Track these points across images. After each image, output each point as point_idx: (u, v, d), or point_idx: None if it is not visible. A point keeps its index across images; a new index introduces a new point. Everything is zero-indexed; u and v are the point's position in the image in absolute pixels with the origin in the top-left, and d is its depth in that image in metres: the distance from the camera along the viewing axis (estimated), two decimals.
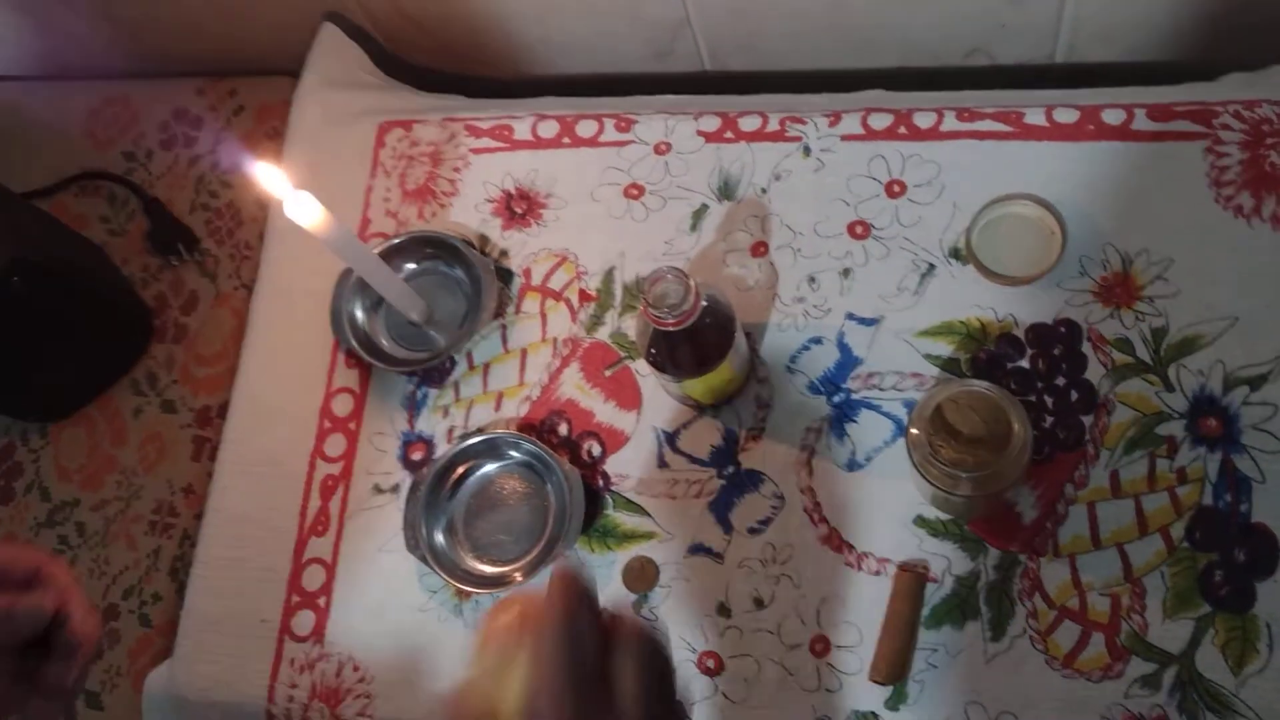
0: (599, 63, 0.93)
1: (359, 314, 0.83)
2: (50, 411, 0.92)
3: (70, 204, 0.99)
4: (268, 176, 0.65)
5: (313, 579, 0.78)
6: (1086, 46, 0.85)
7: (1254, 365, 0.70)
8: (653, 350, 0.70)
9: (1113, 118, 0.77)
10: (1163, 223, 0.74)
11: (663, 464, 0.76)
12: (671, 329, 0.66)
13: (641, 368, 0.78)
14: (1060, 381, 0.72)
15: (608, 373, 0.79)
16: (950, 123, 0.79)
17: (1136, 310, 0.72)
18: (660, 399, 0.77)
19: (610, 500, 0.76)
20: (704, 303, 0.67)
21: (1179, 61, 0.84)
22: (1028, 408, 0.71)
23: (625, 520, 0.75)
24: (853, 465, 0.73)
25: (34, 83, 1.05)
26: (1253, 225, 0.73)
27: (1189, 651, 0.66)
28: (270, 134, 0.97)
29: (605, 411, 0.78)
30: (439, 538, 0.76)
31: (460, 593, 0.75)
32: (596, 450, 0.77)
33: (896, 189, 0.79)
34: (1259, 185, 0.73)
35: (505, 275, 0.83)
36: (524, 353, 0.81)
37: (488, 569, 0.75)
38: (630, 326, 0.80)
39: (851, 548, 0.71)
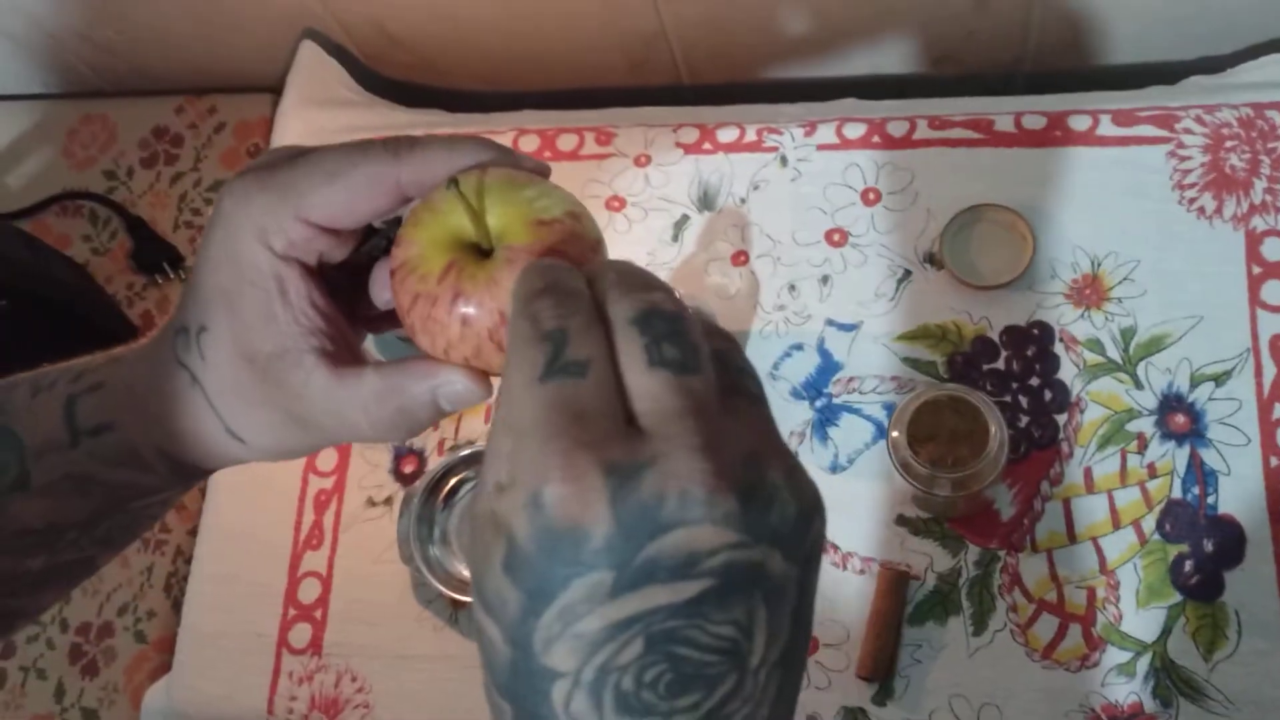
0: (576, 76, 0.95)
1: None
2: None
3: (52, 224, 0.99)
4: None
5: (308, 592, 0.79)
6: (1053, 52, 0.88)
7: (1218, 362, 0.72)
8: None
9: (1079, 124, 0.79)
10: (1129, 225, 0.76)
11: None
12: None
13: None
14: (1034, 382, 0.74)
15: None
16: (923, 131, 0.81)
17: (1106, 311, 0.75)
18: None
19: None
20: None
21: (1142, 64, 0.87)
22: (1003, 408, 0.73)
23: None
24: (835, 468, 0.75)
25: (11, 102, 1.05)
26: (1214, 226, 0.75)
27: (1162, 639, 0.68)
28: (251, 151, 0.97)
29: None
30: (433, 548, 0.77)
31: (455, 602, 0.76)
32: None
33: (872, 197, 0.81)
34: (1220, 187, 0.76)
35: None
36: None
37: None
38: None
39: (836, 548, 0.74)
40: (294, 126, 0.92)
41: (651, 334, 0.31)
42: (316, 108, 0.93)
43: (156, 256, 0.95)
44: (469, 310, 0.36)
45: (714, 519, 0.29)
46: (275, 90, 0.96)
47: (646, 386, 0.30)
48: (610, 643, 0.29)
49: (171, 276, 0.95)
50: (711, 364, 0.31)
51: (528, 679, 0.30)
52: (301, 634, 0.79)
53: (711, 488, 0.29)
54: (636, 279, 0.33)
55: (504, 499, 0.29)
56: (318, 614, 0.79)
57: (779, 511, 0.30)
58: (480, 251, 0.37)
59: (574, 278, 0.33)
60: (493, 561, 0.30)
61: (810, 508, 0.31)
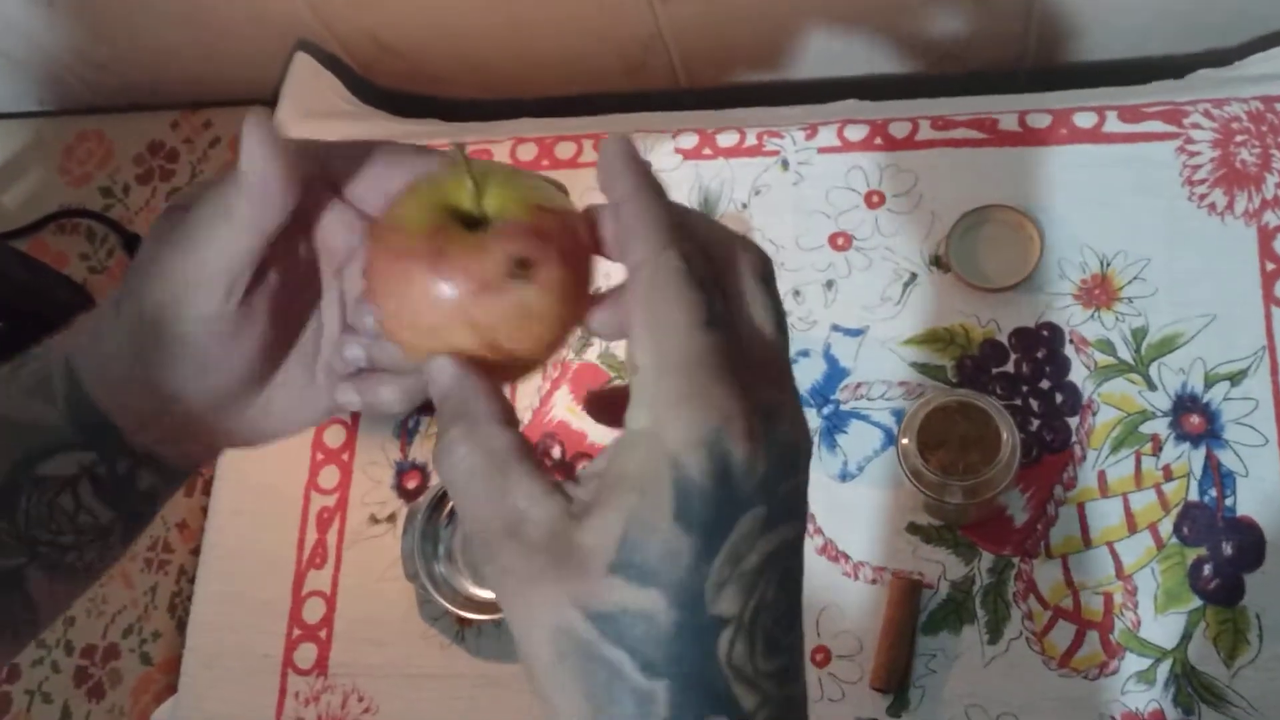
0: (573, 81, 0.94)
1: None
2: None
3: (49, 242, 0.99)
4: None
5: (313, 611, 0.79)
6: (1055, 47, 0.87)
7: (1233, 361, 0.71)
8: None
9: (1085, 121, 0.78)
10: (1138, 223, 0.75)
11: None
12: None
13: None
14: (1045, 385, 0.73)
15: None
16: (925, 132, 0.80)
17: (1116, 311, 0.74)
18: None
19: None
20: None
21: (1147, 58, 0.86)
22: (1014, 411, 0.72)
23: None
24: (845, 475, 0.74)
25: (7, 121, 1.04)
26: (1226, 222, 0.74)
27: (1182, 645, 0.67)
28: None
29: (598, 432, 0.79)
30: (437, 565, 0.76)
31: (461, 619, 0.75)
32: None
33: (875, 199, 0.80)
34: (1230, 182, 0.75)
35: None
36: None
37: (488, 594, 0.76)
38: (619, 347, 0.80)
39: (847, 557, 0.72)
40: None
41: (771, 296, 0.34)
42: (312, 119, 0.92)
43: None
44: (446, 277, 0.33)
45: (807, 466, 0.33)
46: (270, 103, 0.95)
47: (767, 341, 0.33)
48: (761, 579, 0.31)
49: None
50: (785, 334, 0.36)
51: (695, 639, 0.30)
52: (307, 654, 0.78)
53: (808, 437, 0.33)
54: (743, 235, 0.36)
55: (667, 442, 0.30)
56: (323, 633, 0.78)
57: None
58: (471, 225, 0.35)
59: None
60: (659, 519, 0.30)
61: None
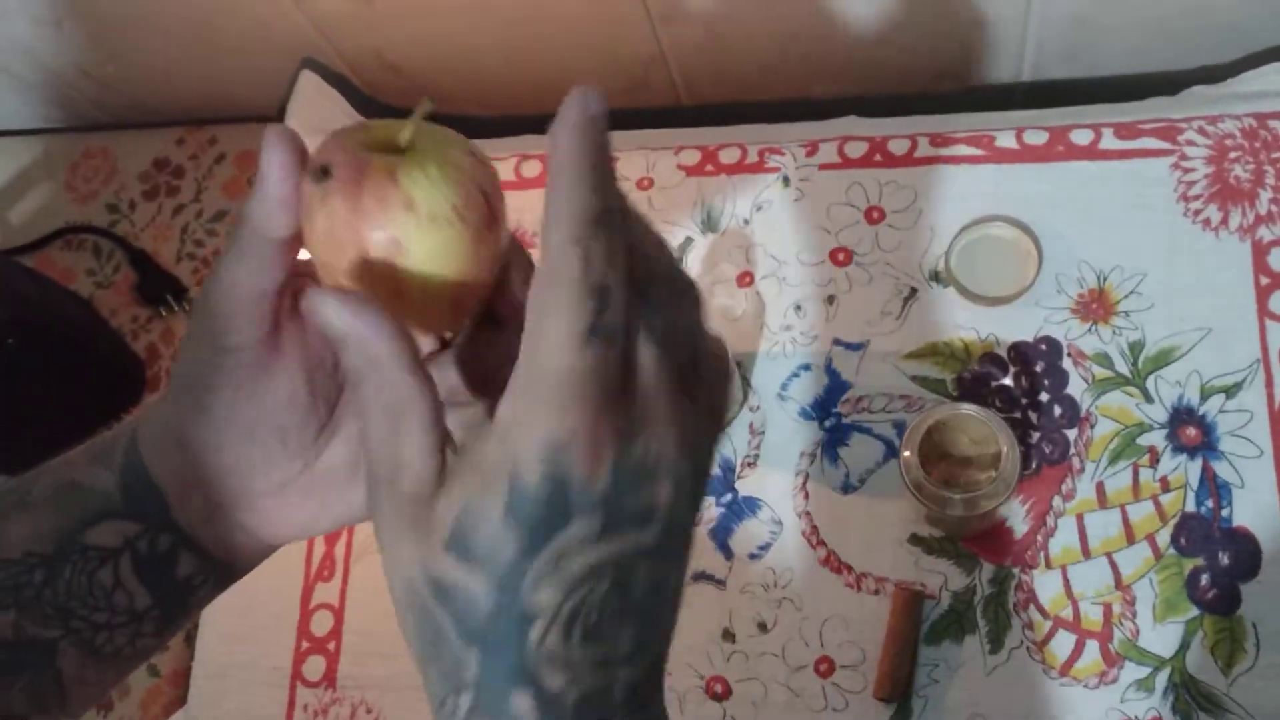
0: None
1: None
2: None
3: (56, 258, 1.00)
4: None
5: (321, 624, 0.79)
6: (1052, 64, 0.88)
7: (1228, 374, 0.72)
8: None
9: (1081, 138, 0.79)
10: (1134, 238, 0.76)
11: None
12: None
13: None
14: (1044, 397, 0.74)
15: None
16: (924, 149, 0.81)
17: (1113, 325, 0.75)
18: None
19: None
20: None
21: (1142, 75, 0.87)
22: (1013, 424, 0.73)
23: None
24: (847, 488, 0.75)
25: (13, 138, 1.05)
26: (1220, 237, 0.75)
27: (1180, 654, 0.68)
28: (253, 181, 0.97)
29: None
30: None
31: None
32: None
33: (875, 215, 0.81)
34: (1225, 198, 0.76)
35: None
36: None
37: None
38: None
39: (850, 568, 0.73)
40: None
41: (673, 309, 0.35)
42: (317, 136, 0.92)
43: (160, 289, 0.95)
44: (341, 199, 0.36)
45: (674, 478, 0.33)
46: (275, 120, 0.96)
47: (650, 359, 0.34)
48: (589, 580, 0.32)
49: (175, 309, 0.95)
50: (688, 347, 0.36)
51: (508, 621, 0.32)
52: (315, 666, 0.78)
53: (677, 456, 0.33)
54: (661, 240, 0.36)
55: (515, 443, 0.32)
56: (331, 646, 0.79)
57: (703, 488, 0.36)
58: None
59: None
60: (490, 511, 0.32)
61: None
